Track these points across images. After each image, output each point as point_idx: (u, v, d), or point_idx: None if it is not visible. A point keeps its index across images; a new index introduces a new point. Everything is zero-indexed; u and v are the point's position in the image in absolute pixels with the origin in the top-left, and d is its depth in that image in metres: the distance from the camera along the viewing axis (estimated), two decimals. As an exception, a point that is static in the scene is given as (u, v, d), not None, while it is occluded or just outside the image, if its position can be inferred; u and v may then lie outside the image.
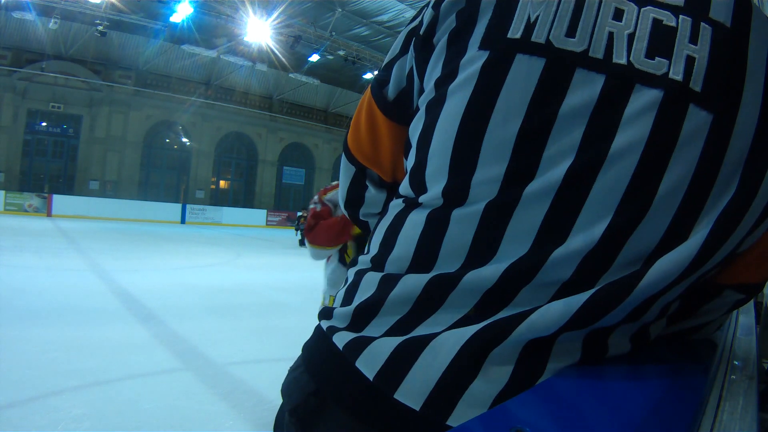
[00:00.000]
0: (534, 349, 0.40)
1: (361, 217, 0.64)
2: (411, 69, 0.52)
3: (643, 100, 0.40)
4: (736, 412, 0.40)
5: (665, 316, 0.47)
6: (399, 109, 0.55)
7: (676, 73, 0.40)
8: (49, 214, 16.02)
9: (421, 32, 0.50)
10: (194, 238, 13.13)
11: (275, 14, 13.24)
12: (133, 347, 3.34)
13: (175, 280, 6.27)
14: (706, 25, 0.41)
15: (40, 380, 2.60)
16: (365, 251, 0.53)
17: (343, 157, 0.62)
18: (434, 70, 0.48)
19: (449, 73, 0.46)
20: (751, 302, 1.14)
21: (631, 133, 0.40)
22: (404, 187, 0.51)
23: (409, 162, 0.51)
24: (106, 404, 2.40)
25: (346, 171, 0.62)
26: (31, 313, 3.98)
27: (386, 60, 0.56)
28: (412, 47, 0.52)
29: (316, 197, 2.07)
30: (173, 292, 5.39)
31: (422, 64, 0.50)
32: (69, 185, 18.01)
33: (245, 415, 2.45)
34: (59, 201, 16.40)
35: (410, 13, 14.16)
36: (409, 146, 0.51)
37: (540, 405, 0.35)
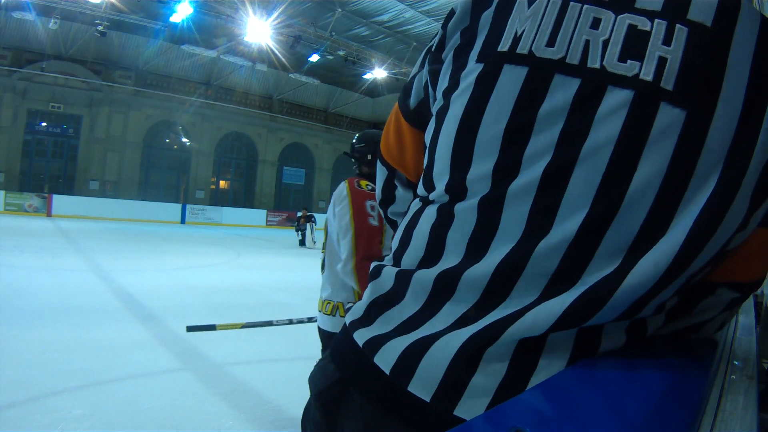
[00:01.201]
0: (526, 347, 0.42)
1: (389, 215, 0.71)
2: (426, 81, 0.59)
3: (614, 100, 0.43)
4: (736, 412, 0.40)
5: (663, 312, 0.47)
6: (419, 117, 0.61)
7: (647, 74, 0.42)
8: (49, 214, 16.03)
9: (434, 49, 0.57)
10: (194, 238, 13.14)
11: (275, 14, 13.23)
12: (133, 347, 3.35)
13: (175, 280, 6.28)
14: (682, 26, 0.43)
15: (40, 380, 2.61)
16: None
17: (378, 161, 0.70)
18: (443, 81, 0.55)
19: (453, 83, 0.52)
20: (751, 302, 1.14)
21: (603, 131, 0.43)
22: (420, 187, 0.57)
23: (424, 163, 0.56)
24: (106, 404, 2.40)
25: (380, 173, 0.70)
26: (31, 313, 3.99)
27: (411, 74, 0.64)
28: (427, 63, 0.59)
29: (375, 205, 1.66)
30: (173, 292, 5.39)
31: (434, 76, 0.57)
32: (69, 185, 18.00)
33: (245, 415, 2.45)
34: (59, 201, 16.40)
35: (410, 13, 14.17)
36: (425, 148, 0.57)
37: (540, 405, 0.35)
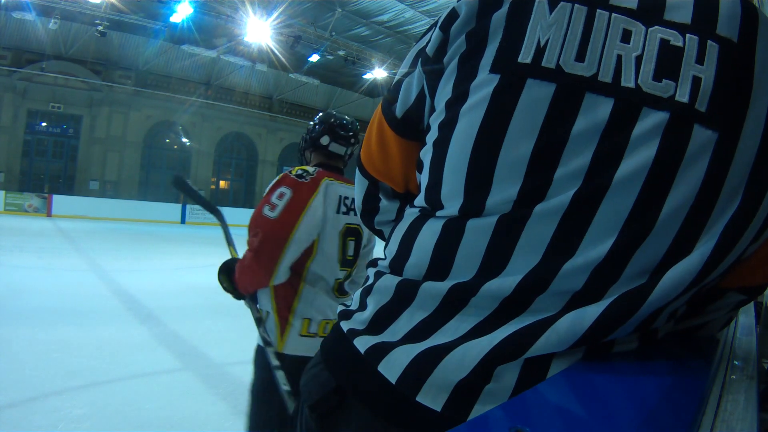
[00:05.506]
0: (537, 359, 0.42)
1: (376, 226, 0.66)
2: (422, 88, 0.53)
3: (649, 122, 0.41)
4: (736, 412, 0.40)
5: (674, 318, 0.47)
6: (407, 126, 0.56)
7: (682, 95, 0.41)
8: (49, 214, 16.00)
9: (430, 53, 0.50)
10: (194, 238, 13.12)
11: (275, 14, 13.20)
12: (133, 347, 3.35)
13: (175, 280, 6.28)
14: (713, 43, 0.41)
15: (40, 380, 2.61)
16: (383, 256, 0.55)
17: (357, 171, 0.64)
18: (444, 90, 0.49)
19: (460, 95, 0.47)
20: (752, 302, 1.14)
21: (638, 156, 0.41)
22: (419, 201, 0.52)
23: (423, 179, 0.52)
24: (106, 404, 2.40)
25: (360, 184, 0.64)
26: (31, 313, 3.98)
27: (395, 78, 0.57)
28: (420, 67, 0.52)
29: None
30: (173, 292, 5.39)
31: (433, 83, 0.51)
32: (69, 185, 17.98)
33: (245, 415, 2.45)
34: (59, 201, 16.38)
35: (410, 13, 14.15)
36: (422, 163, 0.52)
37: (542, 403, 0.35)
